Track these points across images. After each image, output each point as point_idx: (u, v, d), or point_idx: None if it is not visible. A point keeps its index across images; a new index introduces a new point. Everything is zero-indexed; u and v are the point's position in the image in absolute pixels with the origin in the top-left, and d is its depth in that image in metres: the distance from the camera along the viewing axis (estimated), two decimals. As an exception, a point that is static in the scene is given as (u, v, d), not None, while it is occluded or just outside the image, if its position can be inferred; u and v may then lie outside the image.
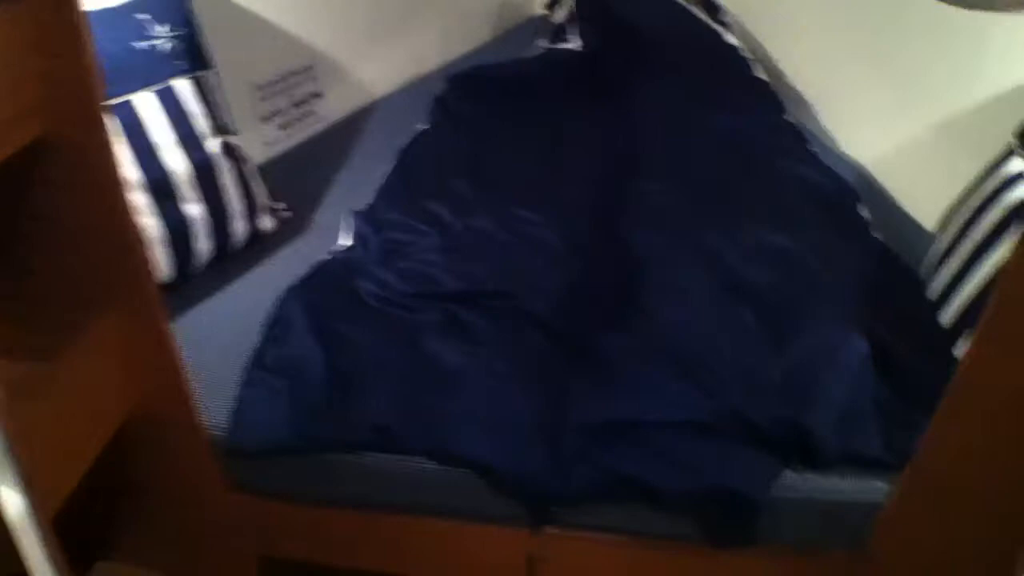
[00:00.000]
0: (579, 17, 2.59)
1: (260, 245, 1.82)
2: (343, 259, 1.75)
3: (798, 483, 1.36)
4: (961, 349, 1.51)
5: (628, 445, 1.39)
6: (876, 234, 1.92)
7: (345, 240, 1.82)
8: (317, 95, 2.29)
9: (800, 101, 2.55)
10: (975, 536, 1.23)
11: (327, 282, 1.68)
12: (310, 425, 1.39)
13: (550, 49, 2.58)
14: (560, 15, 2.70)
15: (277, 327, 1.55)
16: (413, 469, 1.39)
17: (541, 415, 1.43)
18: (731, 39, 2.60)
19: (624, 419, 1.41)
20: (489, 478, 1.38)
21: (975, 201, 1.68)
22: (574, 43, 2.58)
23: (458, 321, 1.60)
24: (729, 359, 1.54)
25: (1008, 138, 1.68)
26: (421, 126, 2.29)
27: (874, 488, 1.35)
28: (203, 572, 1.56)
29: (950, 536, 1.26)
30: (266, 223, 1.83)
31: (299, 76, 2.23)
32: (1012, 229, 1.52)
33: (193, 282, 1.69)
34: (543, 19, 2.84)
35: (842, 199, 2.04)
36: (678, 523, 1.39)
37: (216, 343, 1.54)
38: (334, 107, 2.37)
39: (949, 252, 1.69)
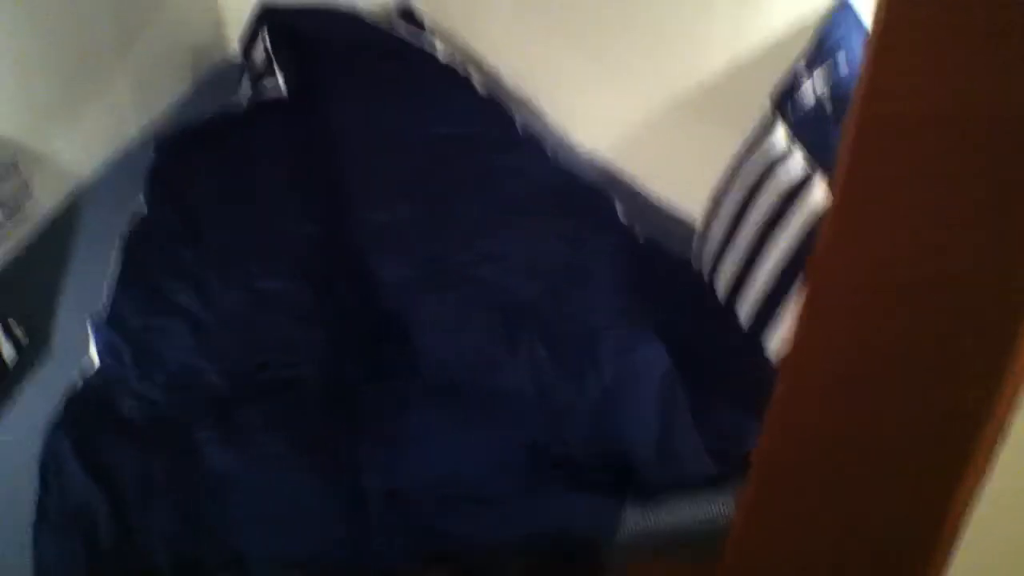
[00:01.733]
0: (276, 57, 2.55)
1: (3, 380, 1.76)
2: (98, 382, 1.73)
3: (635, 517, 1.44)
4: (771, 343, 1.56)
5: (441, 503, 1.41)
6: (637, 230, 1.98)
7: (93, 354, 1.79)
8: (24, 192, 2.14)
9: (527, 104, 2.62)
10: (839, 535, 1.21)
11: (88, 411, 1.66)
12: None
13: (255, 95, 2.54)
14: (258, 55, 2.64)
15: (50, 474, 1.53)
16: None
17: (336, 494, 1.47)
18: (440, 53, 2.64)
19: (426, 478, 1.43)
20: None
21: (742, 185, 1.74)
22: (278, 84, 2.54)
23: (231, 420, 1.62)
24: (522, 390, 1.58)
25: (754, 104, 1.73)
26: (139, 206, 2.20)
27: (715, 504, 1.44)
28: None
29: (810, 540, 1.25)
30: (7, 351, 1.77)
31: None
32: (789, 215, 1.60)
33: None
34: (243, 59, 2.77)
35: (592, 199, 2.15)
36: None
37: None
38: (42, 201, 2.23)
39: (727, 244, 1.74)
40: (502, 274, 1.84)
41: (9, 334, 1.78)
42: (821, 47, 1.79)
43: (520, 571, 1.40)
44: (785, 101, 1.76)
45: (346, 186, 2.25)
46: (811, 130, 1.65)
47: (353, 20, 2.69)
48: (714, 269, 1.78)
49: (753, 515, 1.29)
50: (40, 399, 1.68)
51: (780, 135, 1.70)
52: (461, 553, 1.40)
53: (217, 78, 2.92)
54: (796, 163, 1.63)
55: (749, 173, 1.74)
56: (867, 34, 1.79)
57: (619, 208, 2.08)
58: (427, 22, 2.84)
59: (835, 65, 1.74)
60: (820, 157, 1.61)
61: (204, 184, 2.33)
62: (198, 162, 2.40)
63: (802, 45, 1.88)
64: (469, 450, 1.50)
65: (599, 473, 1.45)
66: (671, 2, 2.06)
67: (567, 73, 2.49)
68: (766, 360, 1.54)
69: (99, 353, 1.78)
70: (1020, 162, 0.79)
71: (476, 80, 2.63)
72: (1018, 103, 0.79)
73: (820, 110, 1.68)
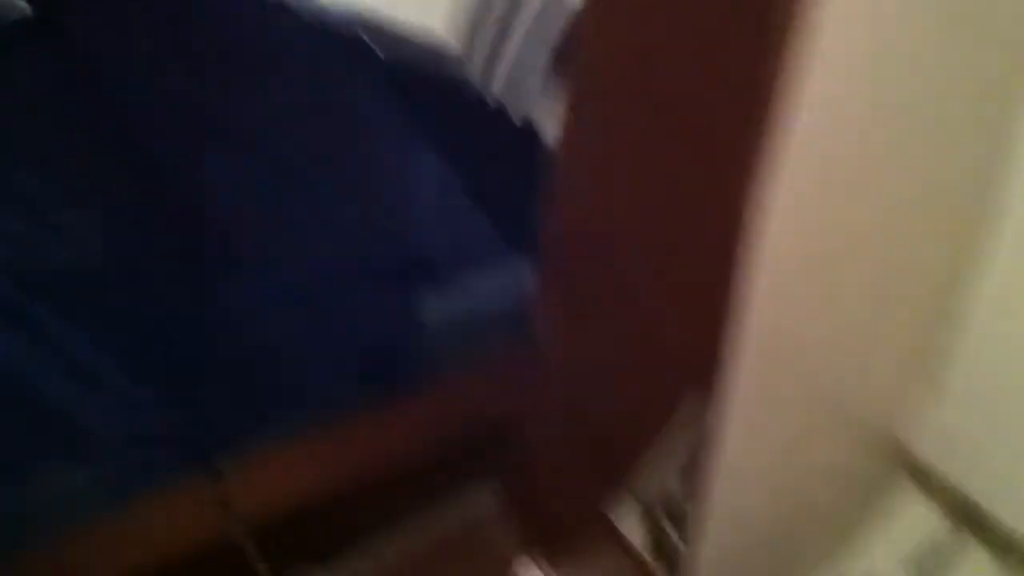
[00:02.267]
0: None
1: None
2: None
3: (435, 307, 1.51)
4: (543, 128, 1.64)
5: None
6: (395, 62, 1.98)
7: None
8: None
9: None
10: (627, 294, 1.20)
11: None
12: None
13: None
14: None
15: None
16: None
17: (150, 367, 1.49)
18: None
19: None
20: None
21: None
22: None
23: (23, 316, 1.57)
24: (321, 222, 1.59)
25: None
26: None
27: (511, 277, 1.51)
28: None
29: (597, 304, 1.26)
30: None
31: None
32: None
33: None
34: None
35: (347, 48, 2.04)
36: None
37: None
38: None
39: (474, 34, 1.73)
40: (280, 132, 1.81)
41: None
42: None
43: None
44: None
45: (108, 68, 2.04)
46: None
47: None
48: (485, 76, 1.78)
49: (546, 291, 1.33)
50: None
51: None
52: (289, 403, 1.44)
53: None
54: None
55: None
56: None
57: (377, 50, 2.03)
58: None
59: None
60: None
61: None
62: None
63: None
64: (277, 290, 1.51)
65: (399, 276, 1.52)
66: None
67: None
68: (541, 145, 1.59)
69: None
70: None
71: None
72: None
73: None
